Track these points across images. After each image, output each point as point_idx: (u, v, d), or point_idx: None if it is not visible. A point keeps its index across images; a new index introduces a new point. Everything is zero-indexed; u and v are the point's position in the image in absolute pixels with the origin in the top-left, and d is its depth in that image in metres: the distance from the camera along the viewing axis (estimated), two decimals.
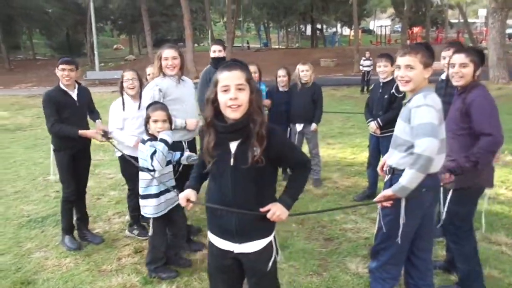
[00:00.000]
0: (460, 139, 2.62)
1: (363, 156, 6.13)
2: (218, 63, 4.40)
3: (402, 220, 2.25)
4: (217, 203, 1.98)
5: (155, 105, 2.97)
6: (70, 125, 3.63)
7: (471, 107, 2.55)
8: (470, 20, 42.25)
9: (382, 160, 2.64)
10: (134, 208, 3.78)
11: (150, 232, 3.09)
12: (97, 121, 3.96)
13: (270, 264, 2.05)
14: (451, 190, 2.65)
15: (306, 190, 5.10)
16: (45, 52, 44.10)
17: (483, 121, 2.50)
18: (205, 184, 2.15)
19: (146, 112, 2.95)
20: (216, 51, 4.58)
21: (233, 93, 1.81)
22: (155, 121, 2.89)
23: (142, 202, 3.09)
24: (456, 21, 47.99)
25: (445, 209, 2.70)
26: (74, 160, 3.81)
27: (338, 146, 7.45)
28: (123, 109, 3.66)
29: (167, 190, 3.07)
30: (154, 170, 2.92)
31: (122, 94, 3.70)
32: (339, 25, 53.00)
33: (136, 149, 3.33)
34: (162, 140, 2.85)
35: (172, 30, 40.82)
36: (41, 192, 5.39)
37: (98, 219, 4.44)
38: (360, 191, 4.90)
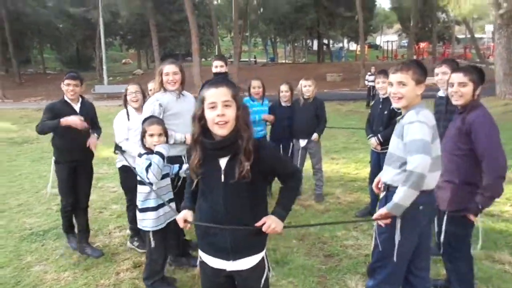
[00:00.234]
0: (457, 160, 2.60)
1: (366, 171, 6.09)
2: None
3: (397, 238, 2.23)
4: (209, 221, 1.96)
5: (151, 119, 3.00)
6: (71, 136, 3.71)
7: (472, 128, 2.53)
8: (477, 35, 42.37)
9: (377, 177, 2.62)
10: (133, 220, 3.77)
11: (150, 245, 3.07)
12: (94, 134, 3.94)
13: (263, 281, 2.04)
14: (447, 212, 2.63)
15: (308, 205, 5.09)
16: (55, 66, 44.83)
17: (486, 144, 2.48)
18: None
19: (142, 126, 2.97)
20: (218, 66, 4.62)
21: (220, 110, 1.81)
22: (151, 135, 2.91)
23: (140, 215, 3.08)
24: (463, 36, 48.10)
25: (443, 229, 2.67)
26: (75, 172, 3.88)
27: (342, 161, 7.42)
28: (128, 119, 3.76)
29: (164, 204, 3.07)
30: (151, 183, 2.92)
31: (126, 106, 3.82)
32: (345, 40, 53.37)
33: None
34: (157, 153, 2.87)
35: (180, 45, 41.34)
36: (44, 205, 5.41)
37: (99, 232, 4.44)
38: (362, 207, 4.86)
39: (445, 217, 2.65)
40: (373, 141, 4.49)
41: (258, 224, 1.92)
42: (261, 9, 39.83)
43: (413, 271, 2.40)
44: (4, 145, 9.96)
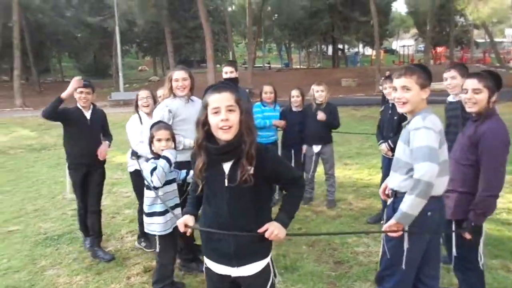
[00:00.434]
0: (463, 170, 2.55)
1: (380, 177, 5.98)
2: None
3: (406, 245, 2.19)
4: (213, 226, 1.97)
5: (159, 124, 3.03)
6: (81, 141, 3.90)
7: (481, 139, 2.46)
8: (496, 39, 41.63)
9: (384, 183, 2.59)
10: (143, 221, 3.83)
11: (157, 249, 3.08)
12: (105, 142, 4.11)
13: (268, 287, 2.03)
14: (453, 221, 2.58)
15: (320, 211, 5.06)
16: (74, 75, 45.50)
17: (489, 160, 2.42)
18: None
19: (150, 132, 3.01)
20: (228, 72, 4.66)
21: (223, 115, 1.82)
22: (159, 140, 2.94)
23: (147, 219, 3.09)
24: (483, 40, 47.35)
25: (453, 238, 2.61)
26: (88, 177, 4.03)
27: (355, 166, 7.36)
28: (141, 123, 3.84)
29: (172, 208, 3.08)
30: (157, 188, 2.94)
31: (137, 111, 3.94)
32: (361, 45, 53.11)
33: None
34: (164, 158, 2.89)
35: (195, 51, 41.75)
36: (60, 210, 5.51)
37: (111, 237, 4.50)
38: (374, 213, 4.80)
39: (452, 226, 2.59)
40: (384, 147, 4.45)
41: (260, 230, 1.91)
42: (276, 15, 39.95)
43: (422, 279, 2.36)
44: (23, 152, 10.19)
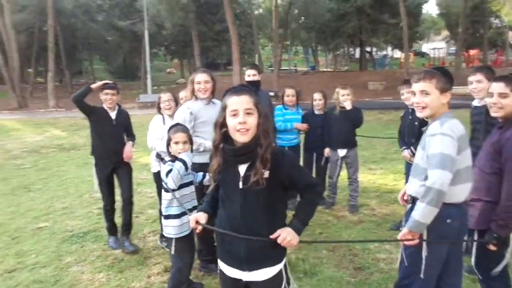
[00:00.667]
0: (488, 178, 2.45)
1: (404, 183, 5.91)
2: (253, 87, 4.54)
3: (424, 253, 2.14)
4: (227, 228, 1.97)
5: (176, 127, 3.05)
6: (106, 140, 4.16)
7: (505, 146, 2.36)
8: None
9: (403, 189, 2.53)
10: None
11: (173, 252, 3.10)
12: (129, 142, 4.32)
13: None
14: (476, 230, 2.49)
15: (341, 216, 5.00)
16: (104, 77, 47.02)
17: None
18: None
19: (167, 134, 3.04)
20: (250, 75, 4.69)
21: (241, 117, 1.83)
22: (176, 142, 2.96)
23: (164, 222, 3.12)
24: None
25: (474, 247, 2.53)
26: (114, 174, 4.27)
27: (379, 171, 7.24)
28: (164, 123, 3.95)
29: (189, 210, 3.09)
30: (173, 190, 2.98)
31: (160, 113, 4.07)
32: (389, 48, 52.23)
33: None
34: (180, 160, 2.91)
35: (222, 54, 42.18)
36: (86, 208, 5.67)
37: (134, 236, 4.57)
38: (398, 220, 4.69)
39: (475, 236, 2.51)
40: (406, 153, 4.36)
41: (273, 236, 1.89)
42: (302, 18, 39.81)
43: None
44: (55, 151, 10.53)
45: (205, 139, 3.46)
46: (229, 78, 26.20)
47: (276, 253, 1.97)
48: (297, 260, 3.79)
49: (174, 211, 3.06)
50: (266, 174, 1.85)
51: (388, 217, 4.92)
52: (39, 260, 4.05)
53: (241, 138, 1.85)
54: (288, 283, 2.03)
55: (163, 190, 3.12)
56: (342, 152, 5.14)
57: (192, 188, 3.17)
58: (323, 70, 46.40)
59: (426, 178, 2.15)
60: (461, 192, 2.16)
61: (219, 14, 33.02)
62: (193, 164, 3.31)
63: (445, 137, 2.06)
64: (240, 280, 1.99)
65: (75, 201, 6.03)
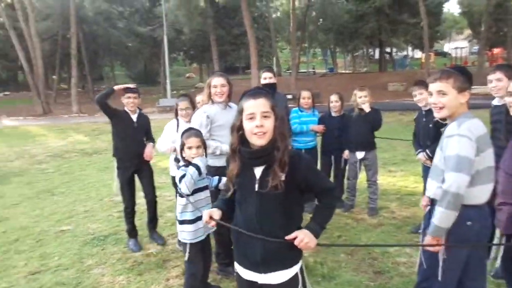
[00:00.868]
0: None
1: None
2: (269, 90, 4.55)
3: (442, 256, 2.09)
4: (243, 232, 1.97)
5: (189, 131, 3.04)
6: (128, 142, 4.29)
7: None
8: None
9: (424, 196, 2.46)
10: None
11: (186, 258, 3.09)
12: (149, 143, 4.48)
13: None
14: (505, 234, 2.41)
15: (360, 219, 4.94)
16: (125, 82, 47.80)
17: None
18: None
19: (181, 139, 3.04)
20: (267, 78, 4.70)
21: (258, 121, 1.83)
22: (190, 147, 2.95)
23: (179, 227, 3.12)
24: None
25: (501, 251, 2.46)
26: (137, 175, 4.45)
27: (399, 174, 7.12)
28: (177, 130, 4.00)
29: None
30: (188, 195, 2.97)
31: (176, 118, 4.12)
32: (410, 48, 51.47)
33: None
34: (194, 165, 2.90)
35: (240, 57, 42.40)
36: (106, 211, 5.77)
37: (153, 239, 4.63)
38: (418, 223, 4.59)
39: (503, 239, 2.43)
40: (421, 156, 4.25)
41: (289, 237, 1.87)
42: (320, 20, 39.63)
43: None
44: (77, 156, 10.77)
45: (222, 142, 3.48)
46: (247, 82, 26.28)
47: (292, 255, 1.95)
48: (315, 263, 3.76)
49: (188, 216, 3.04)
50: (283, 177, 1.84)
51: (408, 220, 4.83)
52: (61, 263, 4.14)
53: (258, 141, 1.85)
54: (304, 286, 2.00)
55: (177, 196, 3.13)
56: (360, 155, 5.09)
57: (207, 193, 3.15)
58: (342, 72, 46.06)
59: (444, 180, 2.11)
60: (481, 194, 2.10)
61: (237, 18, 33.27)
62: (209, 167, 3.32)
63: (462, 138, 2.02)
64: (256, 282, 1.98)
65: (96, 205, 6.15)
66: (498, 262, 2.47)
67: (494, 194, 2.22)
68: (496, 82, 3.17)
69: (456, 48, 45.00)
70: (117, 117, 4.31)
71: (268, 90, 2.03)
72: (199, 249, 3.11)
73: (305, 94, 5.18)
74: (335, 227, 4.65)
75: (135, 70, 47.22)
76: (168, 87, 25.75)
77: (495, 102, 3.29)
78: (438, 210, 2.01)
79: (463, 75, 2.14)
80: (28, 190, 7.21)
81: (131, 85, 4.36)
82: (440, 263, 2.11)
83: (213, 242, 3.60)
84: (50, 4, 33.22)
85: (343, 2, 35.74)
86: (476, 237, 2.14)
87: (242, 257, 2.01)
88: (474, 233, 2.13)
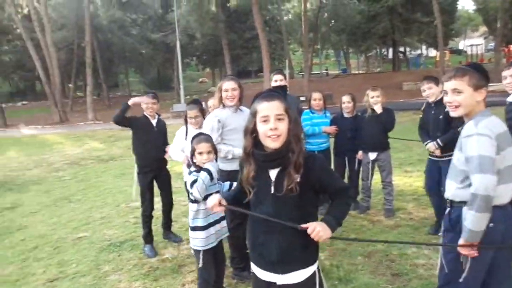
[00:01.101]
0: None
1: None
2: (281, 92, 4.53)
3: (463, 259, 2.03)
4: (259, 233, 1.96)
5: (199, 137, 3.02)
6: (149, 147, 4.36)
7: None
8: None
9: None
10: None
11: (200, 265, 3.06)
12: (168, 146, 4.55)
13: None
14: None
15: (376, 220, 4.87)
16: (139, 88, 48.45)
17: None
18: None
19: (191, 145, 3.02)
20: (277, 80, 4.68)
21: (272, 123, 1.83)
22: (200, 153, 2.93)
23: (191, 233, 3.09)
24: None
25: None
26: (156, 180, 4.54)
27: (416, 174, 6.99)
28: (185, 138, 3.99)
29: (216, 222, 3.06)
30: (197, 201, 2.96)
31: (186, 125, 4.09)
32: (424, 47, 50.86)
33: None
34: (205, 170, 2.88)
35: (253, 61, 42.44)
36: (123, 218, 5.81)
37: (168, 244, 4.65)
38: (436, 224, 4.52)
39: None
40: (431, 145, 4.15)
41: (304, 226, 1.83)
42: (332, 21, 39.48)
43: None
44: (93, 163, 10.91)
45: (234, 146, 3.47)
46: (260, 85, 26.34)
47: (307, 254, 1.94)
48: (331, 266, 3.72)
49: (200, 222, 3.02)
50: (298, 178, 1.84)
51: (426, 221, 4.74)
52: (79, 270, 4.18)
53: (272, 144, 1.84)
54: (321, 286, 1.98)
55: (189, 202, 3.10)
56: (372, 155, 5.03)
57: None
58: (355, 72, 45.72)
59: (463, 180, 2.06)
60: (504, 193, 2.04)
61: (249, 22, 33.34)
62: (221, 171, 3.31)
63: (481, 137, 1.96)
64: (274, 283, 1.96)
65: (112, 211, 6.20)
66: None
67: None
68: (510, 78, 3.09)
69: (471, 45, 44.25)
70: (137, 124, 4.40)
71: (280, 92, 2.02)
72: (211, 255, 3.09)
73: (316, 95, 5.15)
74: (351, 229, 4.59)
75: (149, 76, 47.79)
76: (182, 92, 25.93)
77: (510, 98, 3.20)
78: (469, 214, 1.95)
79: (479, 72, 2.08)
80: (46, 198, 7.33)
81: (146, 99, 4.35)
82: (464, 268, 2.04)
83: (226, 246, 3.59)
84: (65, 14, 33.93)
85: (355, 3, 35.52)
86: (501, 239, 2.07)
87: (259, 257, 2.00)
88: (499, 235, 2.06)
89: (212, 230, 3.05)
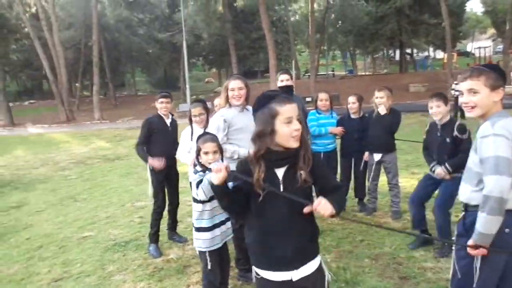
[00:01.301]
0: None
1: None
2: (286, 92, 4.50)
3: (478, 265, 1.97)
4: (271, 233, 1.97)
5: (205, 136, 2.98)
6: (163, 145, 4.41)
7: None
8: None
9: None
10: None
11: (209, 267, 3.01)
12: None
13: (326, 285, 2.09)
14: None
15: (384, 222, 4.83)
16: (146, 88, 48.61)
17: None
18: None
19: (196, 144, 2.98)
20: (284, 80, 4.65)
21: (297, 124, 1.91)
22: (206, 153, 2.88)
23: (195, 235, 3.05)
24: None
25: None
26: (167, 178, 4.57)
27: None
28: (191, 139, 3.94)
29: (221, 223, 3.03)
30: (204, 202, 2.92)
31: (191, 125, 4.05)
32: (431, 49, 50.56)
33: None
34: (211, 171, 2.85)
35: (259, 61, 42.42)
36: (128, 217, 5.80)
37: (173, 244, 4.63)
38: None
39: None
40: (440, 170, 3.82)
41: (308, 207, 1.89)
42: (339, 22, 39.35)
43: None
44: (99, 162, 10.93)
45: (239, 146, 3.43)
46: (266, 85, 26.28)
47: (315, 244, 2.08)
48: (338, 269, 3.67)
49: (205, 223, 2.98)
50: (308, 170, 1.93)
51: (433, 223, 4.61)
52: (84, 269, 4.16)
53: (295, 144, 1.92)
54: (328, 273, 2.11)
55: (193, 202, 3.06)
56: (377, 156, 4.99)
57: None
58: (362, 74, 45.54)
59: (478, 183, 2.01)
60: None
61: (256, 22, 33.34)
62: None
63: (498, 137, 1.91)
64: (290, 281, 1.98)
65: (117, 210, 6.19)
66: None
67: None
68: None
69: (479, 47, 43.91)
70: (152, 128, 4.44)
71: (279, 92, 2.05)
72: (216, 256, 3.05)
73: (323, 96, 5.11)
74: (357, 231, 4.54)
75: (155, 76, 47.92)
76: (188, 92, 25.95)
77: None
78: (481, 216, 1.91)
79: (495, 72, 2.03)
80: (52, 197, 7.34)
81: (158, 163, 4.31)
82: (477, 274, 2.00)
83: (231, 247, 3.56)
84: (73, 13, 34.11)
85: (363, 4, 35.33)
86: None
87: (270, 260, 1.99)
88: None
89: (217, 231, 3.02)
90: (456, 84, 14.72)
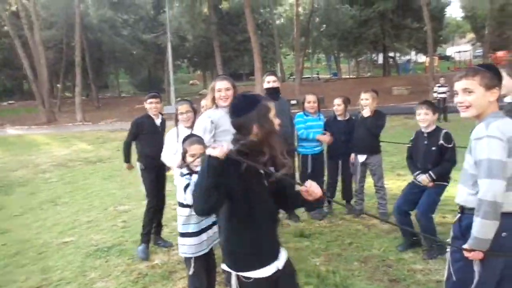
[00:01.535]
0: None
1: None
2: (273, 93, 4.44)
3: (476, 268, 1.93)
4: (262, 231, 2.00)
5: (191, 139, 2.90)
6: (153, 145, 4.30)
7: None
8: None
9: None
10: None
11: (191, 272, 2.92)
12: None
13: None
14: None
15: (371, 225, 4.80)
16: (129, 90, 48.02)
17: None
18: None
19: (182, 147, 2.89)
20: (270, 81, 4.59)
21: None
22: (192, 155, 2.80)
23: (180, 240, 2.94)
24: None
25: None
26: (157, 177, 4.49)
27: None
28: (177, 140, 3.78)
29: (208, 227, 2.94)
30: (189, 206, 2.83)
31: (177, 126, 3.87)
32: (413, 52, 51.37)
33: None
34: (198, 173, 2.76)
35: (244, 64, 42.39)
36: (110, 221, 5.63)
37: (158, 250, 4.50)
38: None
39: None
40: (424, 178, 3.81)
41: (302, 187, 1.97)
42: (324, 26, 39.65)
43: None
44: (81, 164, 10.68)
45: None
46: (251, 88, 26.23)
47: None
48: (327, 272, 3.61)
49: (192, 228, 2.89)
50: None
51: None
52: (64, 276, 4.00)
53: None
54: None
55: (179, 206, 2.95)
56: (362, 158, 4.98)
57: None
58: (346, 77, 45.93)
59: (474, 184, 1.96)
60: None
61: (241, 25, 33.30)
62: None
63: (491, 139, 1.88)
64: (277, 271, 2.01)
65: (99, 214, 6.01)
66: None
67: None
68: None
69: (459, 51, 44.86)
70: (142, 129, 4.45)
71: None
72: (203, 262, 2.96)
73: (310, 98, 5.07)
74: (346, 234, 4.50)
75: (139, 77, 47.37)
76: (172, 94, 25.75)
77: (508, 99, 3.14)
78: (476, 221, 1.87)
79: (491, 71, 2.00)
80: (32, 200, 7.10)
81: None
82: (475, 278, 1.95)
83: (218, 252, 3.46)
84: (55, 12, 33.48)
85: (347, 8, 35.70)
86: None
87: (262, 256, 2.00)
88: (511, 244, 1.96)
89: (204, 236, 2.93)
90: (439, 86, 15.00)
